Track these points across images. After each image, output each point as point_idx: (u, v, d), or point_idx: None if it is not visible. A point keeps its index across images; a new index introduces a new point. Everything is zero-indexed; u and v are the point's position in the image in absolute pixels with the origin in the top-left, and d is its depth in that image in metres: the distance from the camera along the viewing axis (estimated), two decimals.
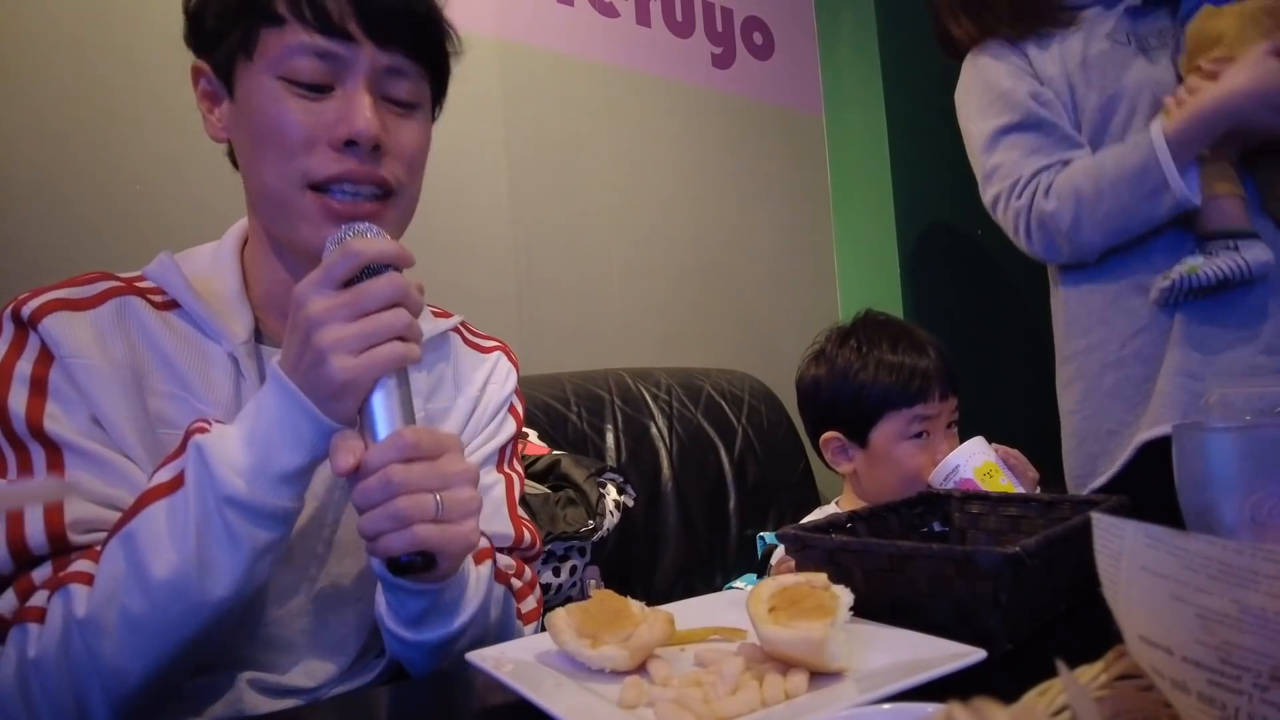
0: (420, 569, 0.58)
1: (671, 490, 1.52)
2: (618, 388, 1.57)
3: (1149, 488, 1.18)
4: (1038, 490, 1.11)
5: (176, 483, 0.59)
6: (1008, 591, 0.54)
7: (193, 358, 0.70)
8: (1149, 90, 1.22)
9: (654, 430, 1.55)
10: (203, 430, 0.61)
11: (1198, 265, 1.14)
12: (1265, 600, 0.30)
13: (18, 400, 0.63)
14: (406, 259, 0.64)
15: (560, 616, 0.57)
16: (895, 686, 0.45)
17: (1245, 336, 1.17)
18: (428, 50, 0.73)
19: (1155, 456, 1.19)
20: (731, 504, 1.59)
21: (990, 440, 1.07)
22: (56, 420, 0.64)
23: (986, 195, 1.34)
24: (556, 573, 1.19)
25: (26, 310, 0.66)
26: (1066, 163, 1.24)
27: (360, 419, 0.61)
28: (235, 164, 0.76)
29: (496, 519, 0.81)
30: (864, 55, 2.13)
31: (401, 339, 0.60)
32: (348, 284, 0.61)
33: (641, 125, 1.86)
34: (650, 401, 1.58)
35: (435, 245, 1.54)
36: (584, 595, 1.22)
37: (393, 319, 0.60)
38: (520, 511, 0.85)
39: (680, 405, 1.61)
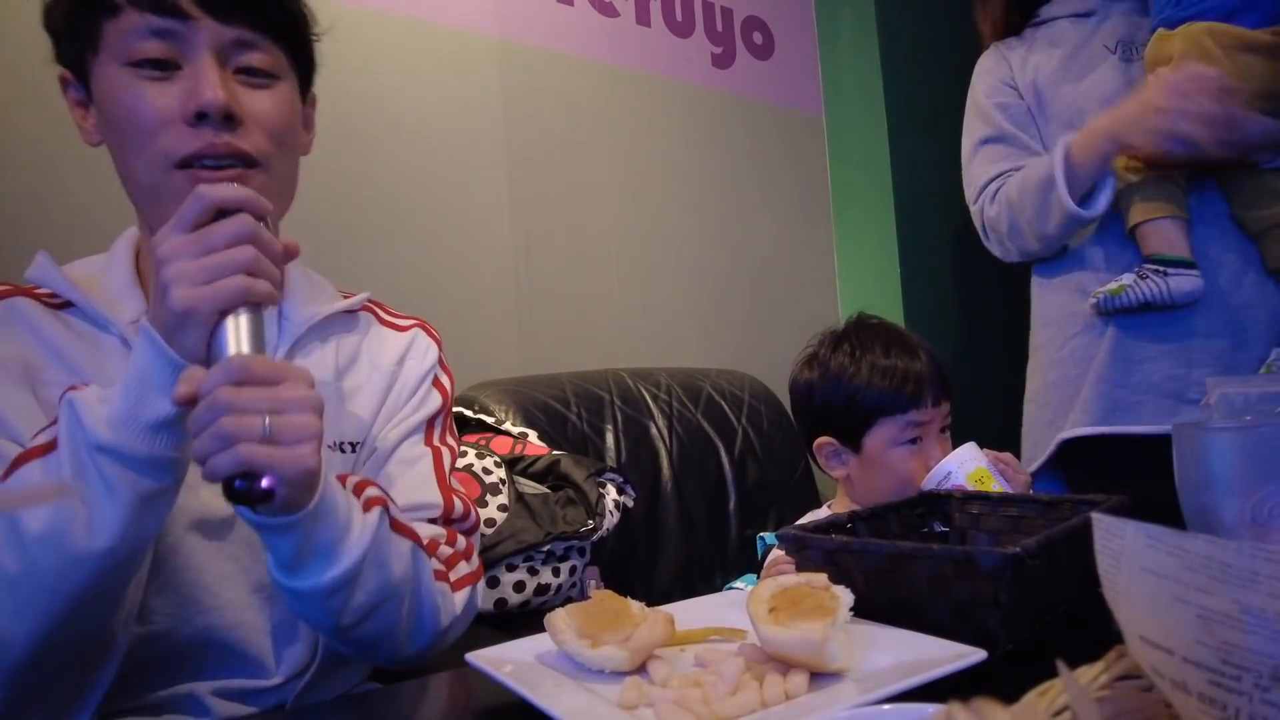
0: (258, 497, 0.56)
1: (671, 490, 1.52)
2: (617, 388, 1.57)
3: (1068, 481, 1.31)
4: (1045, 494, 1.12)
5: (52, 444, 0.59)
6: (1008, 592, 0.54)
7: (87, 350, 0.71)
8: (1125, 96, 1.27)
9: (654, 430, 1.55)
10: (76, 389, 0.61)
11: (1125, 285, 1.22)
12: (1266, 601, 0.29)
13: None
14: (258, 205, 0.62)
15: (560, 617, 0.57)
16: (895, 687, 0.45)
17: (1169, 351, 1.24)
18: (275, 21, 0.73)
19: (1074, 453, 1.30)
20: (731, 504, 1.59)
21: (985, 443, 1.08)
22: None
23: (967, 195, 1.46)
24: (556, 573, 1.19)
25: None
26: (1019, 169, 1.34)
27: (208, 355, 0.61)
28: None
29: (425, 489, 0.80)
30: (864, 55, 2.13)
31: (250, 275, 0.59)
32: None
33: (641, 125, 1.86)
34: (650, 402, 1.58)
35: (435, 245, 1.54)
36: (584, 595, 1.22)
37: (237, 254, 0.59)
38: (453, 483, 0.84)
39: (680, 405, 1.61)
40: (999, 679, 0.36)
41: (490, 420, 1.35)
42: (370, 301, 0.90)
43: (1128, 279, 1.22)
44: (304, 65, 0.79)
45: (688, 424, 1.59)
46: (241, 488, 0.56)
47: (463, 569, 0.79)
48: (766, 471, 1.64)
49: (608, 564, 1.35)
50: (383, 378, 0.84)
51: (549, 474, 1.26)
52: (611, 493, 1.27)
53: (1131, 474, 1.16)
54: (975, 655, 0.49)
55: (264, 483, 0.56)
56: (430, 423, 0.86)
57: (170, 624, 0.69)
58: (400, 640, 0.72)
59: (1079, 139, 1.23)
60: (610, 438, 1.49)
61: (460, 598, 0.77)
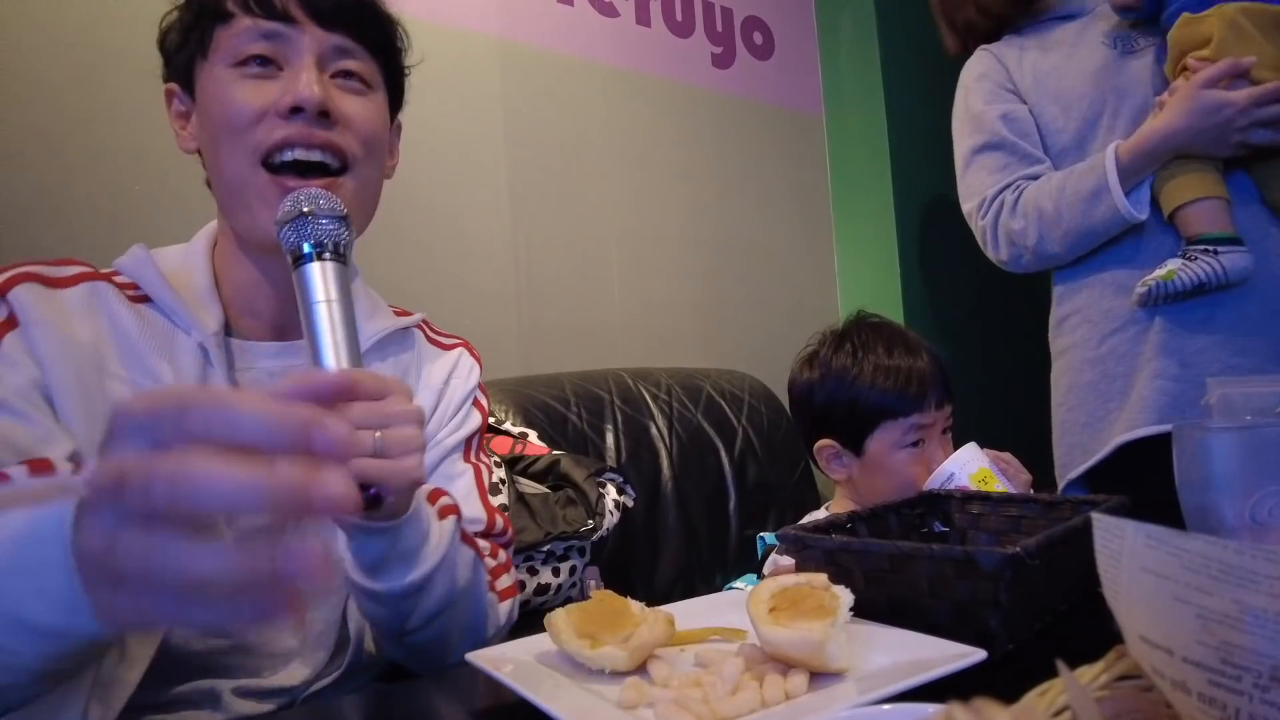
0: (366, 506, 0.59)
1: (671, 491, 1.52)
2: (618, 388, 1.57)
3: (1124, 485, 1.22)
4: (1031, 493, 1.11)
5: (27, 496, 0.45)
6: (1008, 592, 0.54)
7: (161, 347, 0.71)
8: (1134, 93, 1.27)
9: (654, 430, 1.55)
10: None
11: (1174, 270, 1.18)
12: (1266, 601, 0.29)
13: None
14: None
15: (560, 617, 0.57)
16: (895, 687, 0.45)
17: (1221, 340, 1.20)
18: (373, 35, 0.77)
19: (1132, 455, 1.24)
20: (731, 504, 1.59)
21: (986, 444, 1.07)
22: None
23: (964, 210, 1.43)
24: (556, 573, 1.19)
25: None
26: (1033, 177, 1.33)
27: (310, 354, 0.62)
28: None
29: (468, 504, 0.82)
30: (864, 55, 2.13)
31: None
32: None
33: (641, 125, 1.86)
34: (650, 402, 1.58)
35: (435, 245, 1.54)
36: (584, 595, 1.22)
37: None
38: (491, 499, 0.87)
39: (680, 405, 1.61)
40: (999, 679, 0.36)
41: (490, 420, 1.35)
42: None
43: (1175, 264, 1.18)
44: (395, 87, 0.82)
45: (688, 424, 1.59)
46: None
47: (505, 581, 0.82)
48: (767, 472, 1.64)
49: (608, 564, 1.35)
50: (432, 396, 0.86)
51: (549, 474, 1.26)
52: (611, 493, 1.27)
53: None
54: (975, 655, 0.49)
55: (372, 490, 0.59)
56: (469, 441, 0.88)
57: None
58: (451, 647, 0.74)
59: (1130, 145, 1.21)
60: (610, 438, 1.49)
61: (504, 609, 0.80)
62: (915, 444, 1.11)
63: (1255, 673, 0.29)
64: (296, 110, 0.70)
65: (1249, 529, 0.44)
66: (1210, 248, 1.16)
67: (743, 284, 2.01)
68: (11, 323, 0.66)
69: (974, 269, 1.89)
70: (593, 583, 1.25)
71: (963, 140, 1.42)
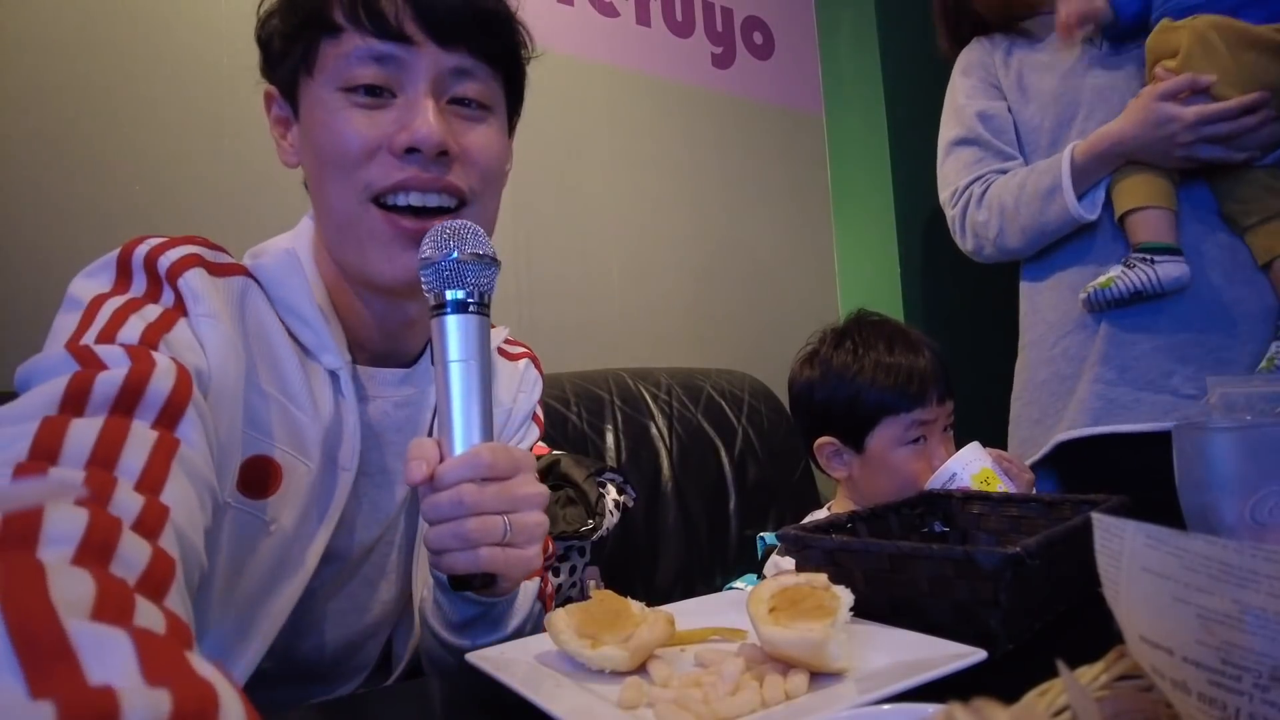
0: (480, 587, 0.59)
1: (671, 490, 1.52)
2: (618, 388, 1.57)
3: (1062, 481, 1.30)
4: (1033, 492, 1.11)
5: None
6: (1008, 592, 0.54)
7: (299, 365, 0.67)
8: (1111, 95, 1.29)
9: (654, 430, 1.55)
10: None
11: (1114, 278, 1.22)
12: (1266, 600, 0.29)
13: (131, 330, 0.56)
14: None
15: (560, 617, 0.57)
16: (896, 687, 0.45)
17: (1161, 347, 1.23)
18: (496, 49, 0.69)
19: (1071, 452, 1.30)
20: (732, 504, 1.59)
21: (987, 443, 1.07)
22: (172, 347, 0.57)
23: (940, 198, 1.49)
24: (556, 573, 1.19)
25: (164, 262, 0.61)
26: (1003, 171, 1.37)
27: (439, 422, 0.61)
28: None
29: None
30: (864, 54, 2.13)
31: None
32: None
33: (642, 125, 1.86)
34: (650, 401, 1.58)
35: None
36: (584, 595, 1.22)
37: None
38: None
39: (680, 405, 1.61)
40: (1000, 679, 0.36)
41: None
42: None
43: (1115, 271, 1.22)
44: (515, 96, 0.76)
45: (688, 424, 1.60)
46: (470, 580, 0.59)
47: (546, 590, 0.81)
48: (766, 472, 1.64)
49: (608, 564, 1.35)
50: (500, 412, 0.83)
51: (549, 474, 1.26)
52: (612, 492, 1.27)
53: (1126, 471, 1.16)
54: (976, 655, 0.49)
55: (497, 580, 0.59)
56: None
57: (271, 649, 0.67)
58: None
59: (1084, 147, 1.25)
60: (610, 437, 1.49)
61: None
62: (916, 440, 1.11)
63: (1255, 673, 0.29)
64: (411, 150, 0.64)
65: (1249, 529, 0.44)
66: (1148, 257, 1.19)
67: (743, 283, 2.01)
68: (180, 309, 0.61)
69: (973, 268, 1.88)
70: (593, 583, 1.25)
71: (944, 131, 1.47)
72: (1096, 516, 0.35)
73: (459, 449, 0.59)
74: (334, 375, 0.69)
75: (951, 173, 1.43)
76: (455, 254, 0.60)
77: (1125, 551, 0.33)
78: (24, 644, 0.26)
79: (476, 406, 0.60)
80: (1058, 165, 1.27)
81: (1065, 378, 1.32)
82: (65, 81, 1.19)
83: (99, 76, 1.22)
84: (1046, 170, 1.29)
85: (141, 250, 0.62)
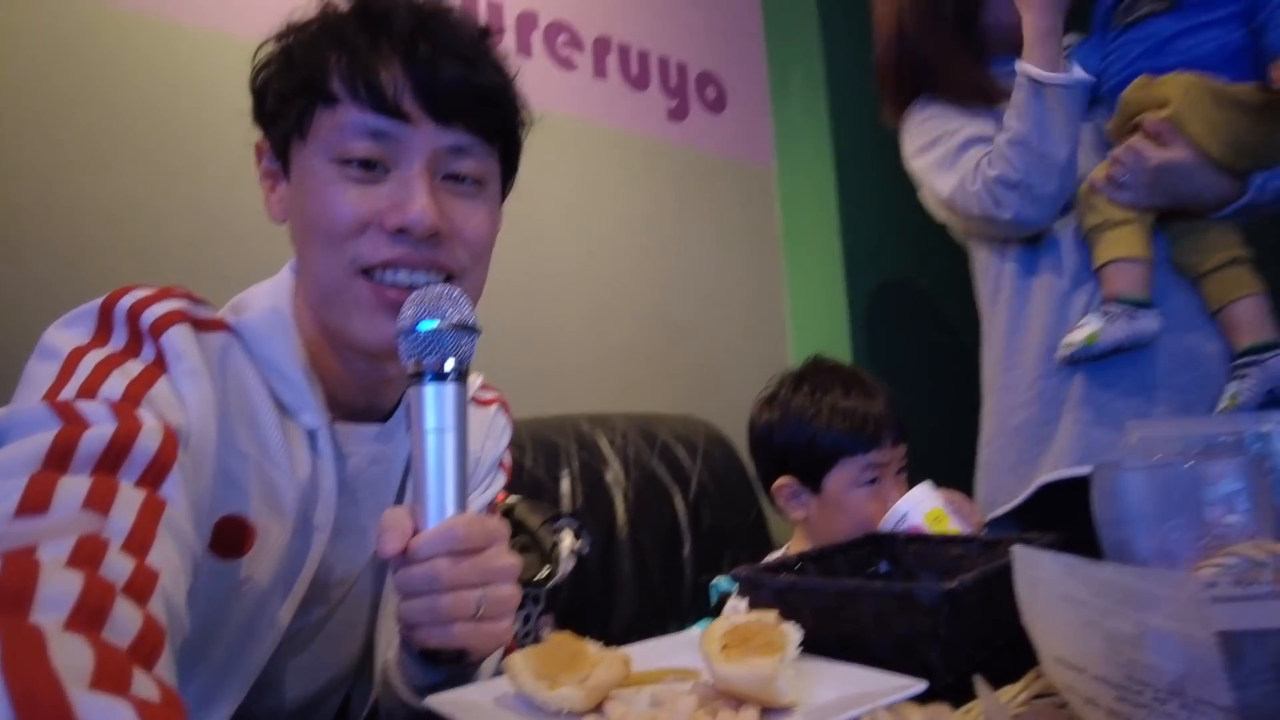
0: (450, 660, 0.59)
1: (627, 537, 1.53)
2: (574, 434, 1.58)
3: (1046, 524, 1.26)
4: (984, 532, 1.15)
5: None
6: (947, 625, 0.56)
7: (278, 423, 0.66)
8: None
9: (609, 476, 1.56)
10: None
11: (1095, 334, 1.23)
12: (1164, 622, 0.33)
13: (114, 386, 0.55)
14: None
15: (518, 659, 0.57)
16: (841, 718, 0.47)
17: (1132, 392, 1.26)
18: (495, 125, 0.70)
19: (1054, 496, 1.28)
20: (686, 550, 1.60)
21: (937, 482, 1.11)
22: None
23: (945, 196, 1.38)
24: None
25: (149, 317, 0.61)
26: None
27: (414, 492, 0.60)
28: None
29: None
30: (813, 111, 2.22)
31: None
32: None
33: (599, 174, 1.91)
34: (606, 447, 1.59)
35: None
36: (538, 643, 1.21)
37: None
38: None
39: (636, 451, 1.63)
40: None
41: None
42: None
43: (1095, 325, 1.23)
44: (510, 167, 0.77)
45: (643, 470, 1.61)
46: (441, 654, 0.59)
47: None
48: (721, 517, 1.66)
49: (563, 612, 1.35)
50: (469, 455, 0.83)
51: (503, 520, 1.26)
52: (567, 539, 1.27)
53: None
54: (916, 686, 0.51)
55: (468, 654, 0.59)
56: (492, 505, 0.87)
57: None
58: None
59: (1025, 51, 1.25)
60: (566, 484, 1.50)
61: None
62: (872, 482, 1.15)
63: (1155, 687, 0.32)
64: (403, 230, 0.64)
65: (1160, 560, 0.48)
66: (1127, 310, 1.22)
67: (699, 331, 2.05)
68: (161, 366, 0.60)
69: (919, 316, 1.96)
70: (547, 630, 1.25)
71: (948, 140, 1.38)
72: (1016, 549, 0.38)
73: (433, 520, 0.59)
74: (312, 434, 0.68)
75: (948, 172, 1.37)
76: (435, 322, 0.60)
77: (1043, 580, 0.36)
78: (30, 714, 0.27)
79: (452, 477, 0.60)
80: (1024, 77, 1.25)
81: (1043, 421, 1.31)
82: (21, 123, 1.19)
83: (56, 118, 1.22)
84: (1018, 94, 1.26)
85: (126, 303, 0.61)
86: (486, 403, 0.90)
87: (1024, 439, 1.33)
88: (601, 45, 1.95)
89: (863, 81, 1.61)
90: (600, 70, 1.95)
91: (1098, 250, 1.27)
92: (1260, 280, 1.25)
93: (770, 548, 1.62)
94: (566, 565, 1.24)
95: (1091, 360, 1.26)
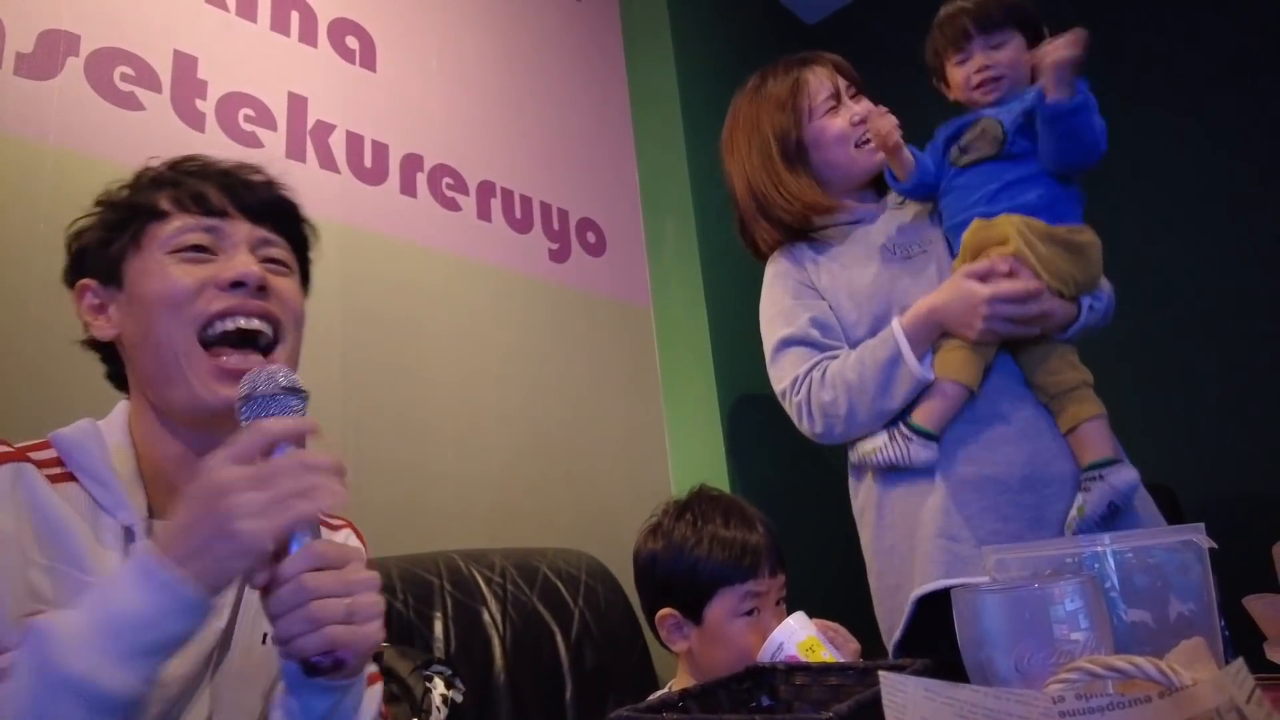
0: (331, 670, 0.63)
1: (504, 682, 1.44)
2: (449, 571, 1.51)
3: (935, 640, 1.24)
4: (860, 660, 1.16)
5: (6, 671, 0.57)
6: None
7: (85, 530, 0.71)
8: (916, 295, 1.43)
9: (486, 617, 1.49)
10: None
11: (877, 448, 1.38)
12: None
13: None
14: (310, 432, 0.71)
15: None
16: None
17: (989, 507, 1.32)
18: (291, 227, 0.89)
19: (931, 608, 1.31)
20: (568, 693, 1.52)
21: (813, 613, 1.13)
22: None
23: (776, 391, 1.53)
24: None
25: None
26: (833, 358, 1.45)
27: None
28: (109, 365, 0.85)
29: None
30: (686, 255, 2.36)
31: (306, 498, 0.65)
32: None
33: (481, 310, 1.93)
34: (483, 585, 1.53)
35: None
36: None
37: (304, 483, 0.65)
38: None
39: (515, 588, 1.57)
40: None
41: None
42: None
43: (881, 440, 1.36)
44: (305, 264, 0.94)
45: (522, 608, 1.55)
46: (320, 663, 0.63)
47: None
48: (604, 655, 1.60)
49: None
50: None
51: None
52: (439, 687, 1.19)
53: None
54: None
55: (341, 655, 0.63)
56: None
57: None
58: None
59: (907, 318, 1.37)
60: (439, 626, 1.42)
61: None
62: (750, 612, 1.15)
63: None
64: (237, 285, 0.77)
65: (1017, 678, 0.50)
66: (909, 434, 1.34)
67: (580, 462, 2.04)
68: None
69: (793, 444, 2.04)
70: None
71: (773, 332, 1.53)
72: (883, 674, 0.39)
73: (293, 550, 0.65)
74: (129, 529, 0.73)
75: (787, 367, 1.49)
76: (271, 385, 0.70)
77: (908, 704, 0.38)
78: None
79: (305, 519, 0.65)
80: (890, 336, 1.37)
81: (906, 537, 1.36)
82: None
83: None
84: (880, 344, 1.38)
85: None
86: (336, 527, 0.95)
87: (898, 558, 1.38)
88: (486, 189, 2.02)
89: (729, 228, 1.74)
90: (484, 213, 2.01)
91: (934, 358, 1.38)
92: (1100, 403, 1.37)
93: (655, 686, 1.57)
94: (439, 715, 1.16)
95: (880, 471, 1.39)
